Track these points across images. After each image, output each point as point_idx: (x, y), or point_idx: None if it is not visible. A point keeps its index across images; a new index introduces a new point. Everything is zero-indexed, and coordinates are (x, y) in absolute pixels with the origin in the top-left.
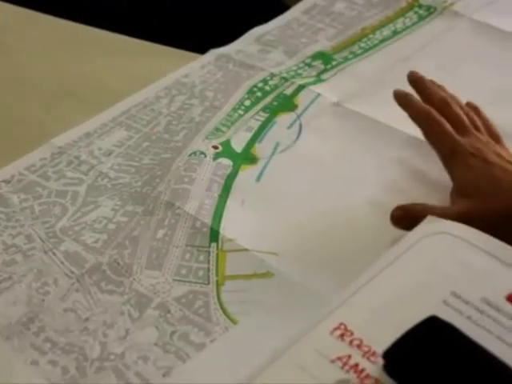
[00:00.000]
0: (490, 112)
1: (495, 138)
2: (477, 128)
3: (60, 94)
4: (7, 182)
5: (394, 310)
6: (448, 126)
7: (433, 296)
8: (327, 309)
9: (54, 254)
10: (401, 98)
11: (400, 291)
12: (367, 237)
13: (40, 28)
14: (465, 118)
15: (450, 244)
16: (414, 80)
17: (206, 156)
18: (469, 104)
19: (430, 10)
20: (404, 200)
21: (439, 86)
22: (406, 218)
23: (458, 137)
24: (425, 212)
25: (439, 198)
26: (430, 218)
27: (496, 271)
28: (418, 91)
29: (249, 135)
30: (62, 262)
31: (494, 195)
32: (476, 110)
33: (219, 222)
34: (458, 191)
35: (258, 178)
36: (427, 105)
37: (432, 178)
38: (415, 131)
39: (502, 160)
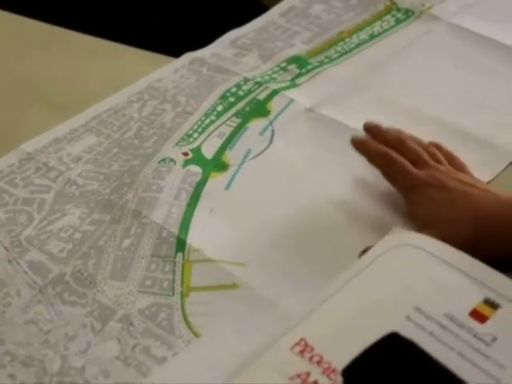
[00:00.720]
0: (466, 117)
1: (459, 167)
2: (437, 160)
3: (30, 97)
4: None
5: (356, 325)
6: (406, 163)
7: (396, 311)
8: (289, 323)
9: (18, 263)
10: (358, 144)
11: (363, 306)
12: (337, 246)
13: (9, 28)
14: (422, 152)
15: (415, 257)
16: (369, 128)
17: (175, 163)
18: (430, 142)
19: (408, 14)
20: (374, 203)
21: (397, 130)
22: None
23: (415, 171)
24: None
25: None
26: (395, 230)
27: (461, 285)
28: (374, 136)
29: (220, 141)
30: (26, 272)
31: (454, 224)
32: (437, 145)
33: (186, 232)
34: (420, 223)
35: (228, 186)
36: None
37: None
38: None
39: (463, 184)
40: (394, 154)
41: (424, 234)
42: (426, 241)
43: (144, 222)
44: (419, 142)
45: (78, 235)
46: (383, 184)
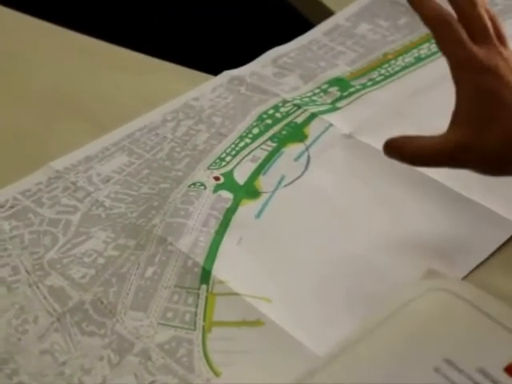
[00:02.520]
0: None
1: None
2: (501, 39)
3: (62, 111)
4: (1, 206)
5: (382, 372)
6: (464, 34)
7: (424, 361)
8: (315, 365)
9: (38, 287)
10: None
11: (391, 353)
12: (371, 285)
13: (45, 37)
14: (489, 23)
15: (451, 304)
16: None
17: (205, 188)
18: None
19: None
20: (413, 246)
21: None
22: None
23: (474, 47)
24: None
25: (448, 238)
26: (431, 271)
27: (497, 338)
28: None
29: (253, 166)
30: (45, 297)
31: (495, 124)
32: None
33: (212, 262)
34: (458, 114)
35: (259, 215)
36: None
37: (438, 218)
38: (427, 170)
39: None
40: (454, 19)
41: (459, 130)
42: (465, 288)
43: (169, 249)
44: (489, 12)
45: (101, 260)
46: (423, 220)
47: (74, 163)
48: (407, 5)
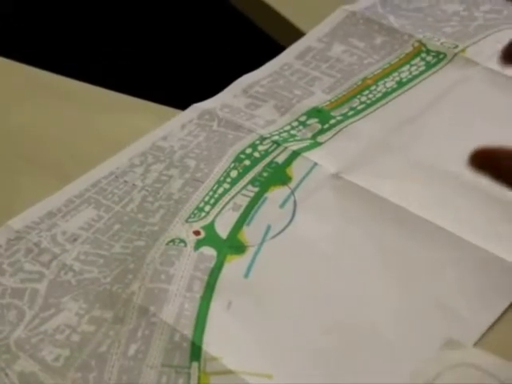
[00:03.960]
0: None
1: None
2: None
3: (15, 158)
4: None
5: None
6: None
7: None
8: None
9: (6, 375)
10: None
11: None
12: (380, 354)
13: None
14: None
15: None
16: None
17: (186, 245)
18: None
19: (440, 57)
20: (423, 306)
21: None
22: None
23: None
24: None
25: (459, 292)
26: (450, 343)
27: None
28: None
29: (235, 215)
30: None
31: None
32: None
33: (201, 334)
34: None
35: (247, 274)
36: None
37: (447, 270)
38: (428, 213)
39: None
40: None
41: None
42: (489, 360)
43: (153, 321)
44: None
45: (75, 337)
46: (430, 273)
47: (35, 220)
48: (381, 22)
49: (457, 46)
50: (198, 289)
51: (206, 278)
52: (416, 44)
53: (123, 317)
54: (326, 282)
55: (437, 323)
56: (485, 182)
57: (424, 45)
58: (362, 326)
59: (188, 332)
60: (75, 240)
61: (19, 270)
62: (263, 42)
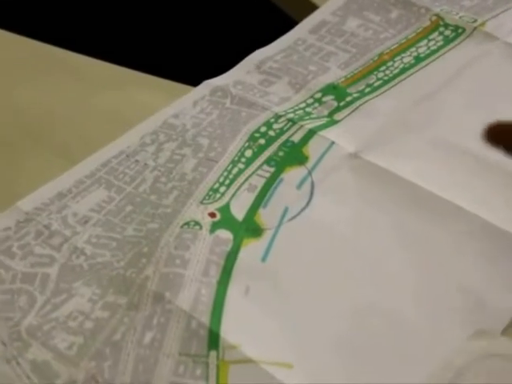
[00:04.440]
0: None
1: None
2: None
3: (21, 138)
4: None
5: None
6: None
7: None
8: None
9: (18, 363)
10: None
11: None
12: (403, 344)
13: None
14: None
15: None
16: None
17: (201, 227)
18: None
19: (458, 31)
20: (447, 291)
21: None
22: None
23: None
24: None
25: (486, 278)
26: (480, 332)
27: None
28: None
29: (251, 197)
30: (29, 377)
31: None
32: None
33: (219, 321)
34: None
35: (264, 258)
36: None
37: (472, 254)
38: (447, 193)
39: None
40: None
41: None
42: None
43: (168, 308)
44: None
45: (89, 324)
46: (455, 258)
47: (45, 202)
48: None
49: (476, 20)
50: (215, 273)
51: (222, 262)
52: (434, 18)
53: (138, 303)
54: (345, 265)
55: (460, 308)
56: (504, 160)
57: (442, 19)
58: (382, 311)
59: (205, 319)
60: (86, 222)
61: (29, 253)
62: (275, 15)
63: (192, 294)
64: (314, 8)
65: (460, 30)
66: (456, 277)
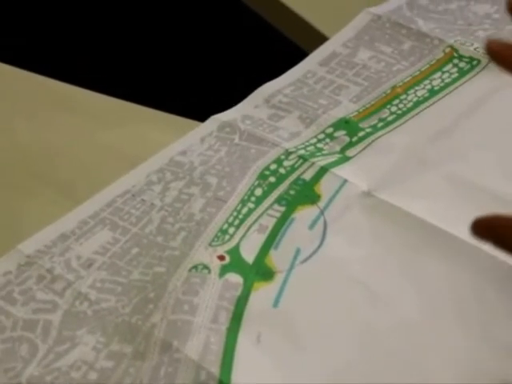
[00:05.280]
0: None
1: None
2: None
3: (24, 177)
4: None
5: None
6: None
7: None
8: None
9: None
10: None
11: None
12: None
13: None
14: None
15: None
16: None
17: (210, 271)
18: None
19: (473, 63)
20: (472, 340)
21: None
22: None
23: None
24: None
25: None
26: None
27: None
28: None
29: (262, 238)
30: None
31: None
32: None
33: (229, 372)
34: None
35: (276, 302)
36: None
37: (491, 298)
38: (468, 234)
39: None
40: None
41: None
42: None
43: (176, 357)
44: None
45: (93, 375)
46: (477, 305)
47: (47, 244)
48: (409, 26)
49: None
50: (224, 320)
51: (232, 308)
52: (447, 49)
53: (144, 352)
54: (361, 312)
55: (485, 359)
56: None
57: (456, 50)
58: (400, 361)
59: (215, 369)
60: (90, 265)
61: (31, 299)
62: (284, 47)
63: (201, 342)
64: (324, 39)
65: (475, 62)
66: (478, 325)
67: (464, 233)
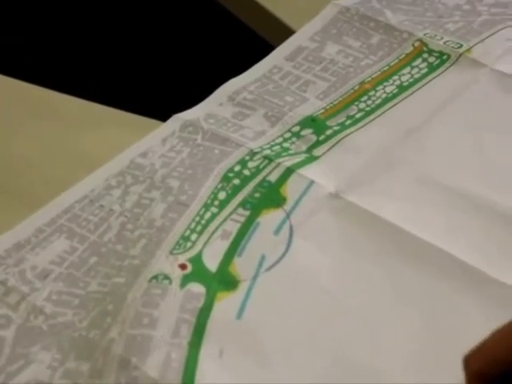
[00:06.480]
0: None
1: None
2: None
3: None
4: None
5: None
6: None
7: None
8: None
9: None
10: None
11: None
12: None
13: None
14: None
15: None
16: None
17: (171, 282)
18: None
19: (443, 58)
20: (445, 355)
21: None
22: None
23: None
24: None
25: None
26: None
27: None
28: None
29: (225, 245)
30: None
31: None
32: None
33: None
34: None
35: (240, 314)
36: None
37: (464, 306)
38: (438, 239)
39: None
40: None
41: None
42: None
43: (135, 375)
44: None
45: None
46: (451, 314)
47: (1, 254)
48: (378, 19)
49: (461, 46)
50: (186, 334)
51: (194, 320)
52: (417, 43)
53: (102, 369)
54: (329, 323)
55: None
56: (496, 200)
57: (425, 44)
58: (371, 376)
59: None
60: (46, 276)
61: None
62: (248, 39)
63: (161, 358)
64: (290, 32)
65: (445, 57)
66: (458, 338)
67: (435, 237)
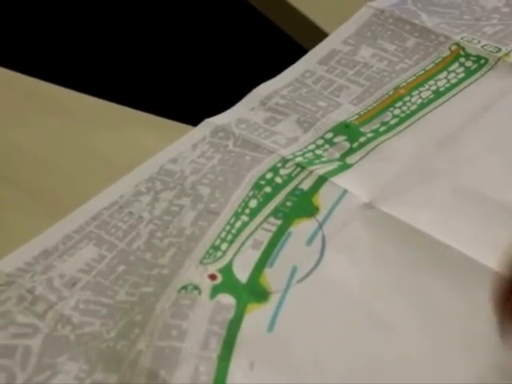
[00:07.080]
0: None
1: None
2: None
3: (5, 187)
4: None
5: None
6: None
7: None
8: None
9: None
10: None
11: None
12: None
13: None
14: None
15: None
16: None
17: (200, 292)
18: None
19: (481, 62)
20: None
21: None
22: None
23: None
24: None
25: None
26: None
27: None
28: None
29: (256, 255)
30: None
31: None
32: None
33: None
34: None
35: (271, 326)
36: None
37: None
38: (477, 252)
39: None
40: None
41: None
42: None
43: None
44: None
45: None
46: (485, 331)
47: (28, 261)
48: (413, 22)
49: (499, 50)
50: (215, 347)
51: (223, 332)
52: (454, 47)
53: (130, 382)
54: (361, 335)
55: None
56: None
57: (462, 48)
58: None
59: None
60: (74, 285)
61: (10, 322)
62: (281, 42)
63: (190, 371)
64: (323, 35)
65: (482, 61)
66: (488, 353)
67: (470, 249)
